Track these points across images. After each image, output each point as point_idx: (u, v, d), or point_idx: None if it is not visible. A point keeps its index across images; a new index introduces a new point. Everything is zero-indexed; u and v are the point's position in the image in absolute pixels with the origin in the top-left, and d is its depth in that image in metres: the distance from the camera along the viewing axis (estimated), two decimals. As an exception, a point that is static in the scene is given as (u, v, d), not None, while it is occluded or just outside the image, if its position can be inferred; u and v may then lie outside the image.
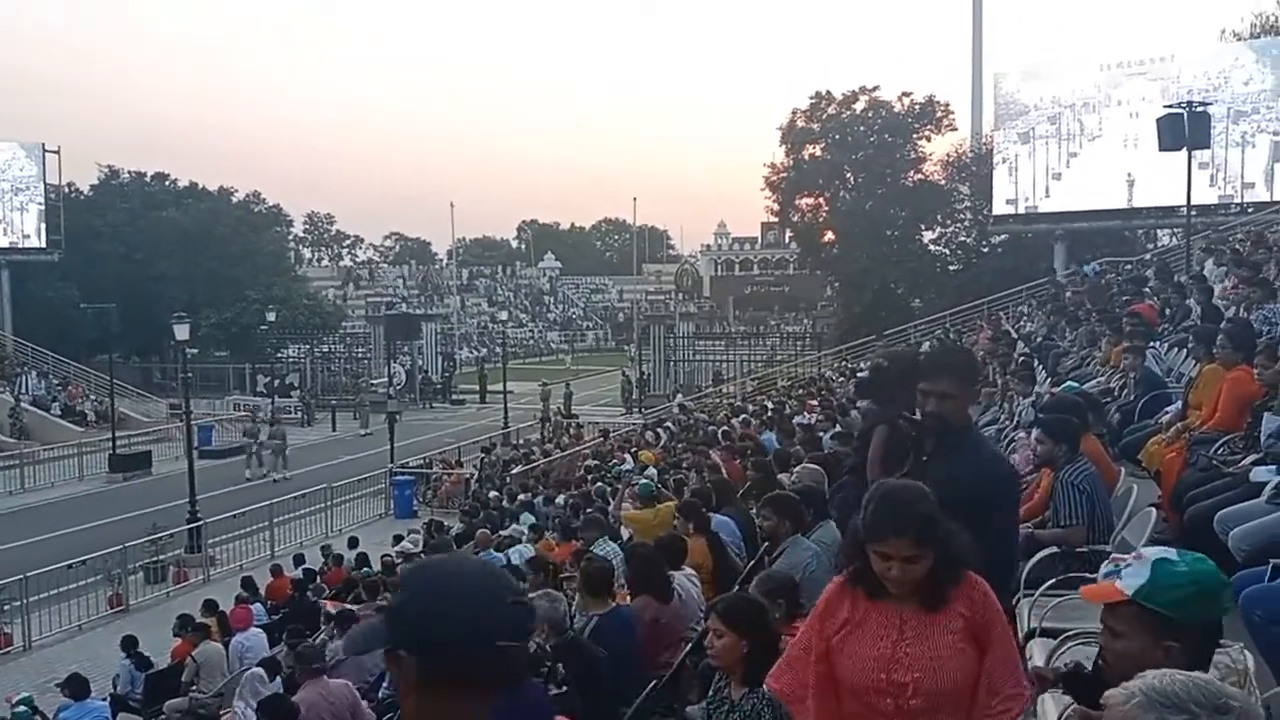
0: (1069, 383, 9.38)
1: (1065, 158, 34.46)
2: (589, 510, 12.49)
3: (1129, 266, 24.07)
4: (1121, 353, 10.73)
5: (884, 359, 4.99)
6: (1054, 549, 5.50)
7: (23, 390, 35.85)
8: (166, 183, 53.48)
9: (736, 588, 7.08)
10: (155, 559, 18.38)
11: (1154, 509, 5.81)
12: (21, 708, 9.94)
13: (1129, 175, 32.53)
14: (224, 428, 35.02)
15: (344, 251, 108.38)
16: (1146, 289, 15.75)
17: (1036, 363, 13.38)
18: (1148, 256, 27.84)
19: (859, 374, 19.01)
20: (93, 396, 36.97)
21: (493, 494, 19.53)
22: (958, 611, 2.83)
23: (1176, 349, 10.18)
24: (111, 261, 45.08)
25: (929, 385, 3.87)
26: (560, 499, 15.94)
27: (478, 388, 45.03)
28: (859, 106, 44.70)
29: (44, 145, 42.80)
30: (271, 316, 43.76)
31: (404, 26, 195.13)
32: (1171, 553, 2.35)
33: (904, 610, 2.85)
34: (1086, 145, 33.79)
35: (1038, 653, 4.55)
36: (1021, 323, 23.05)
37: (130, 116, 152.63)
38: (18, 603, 15.41)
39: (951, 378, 3.89)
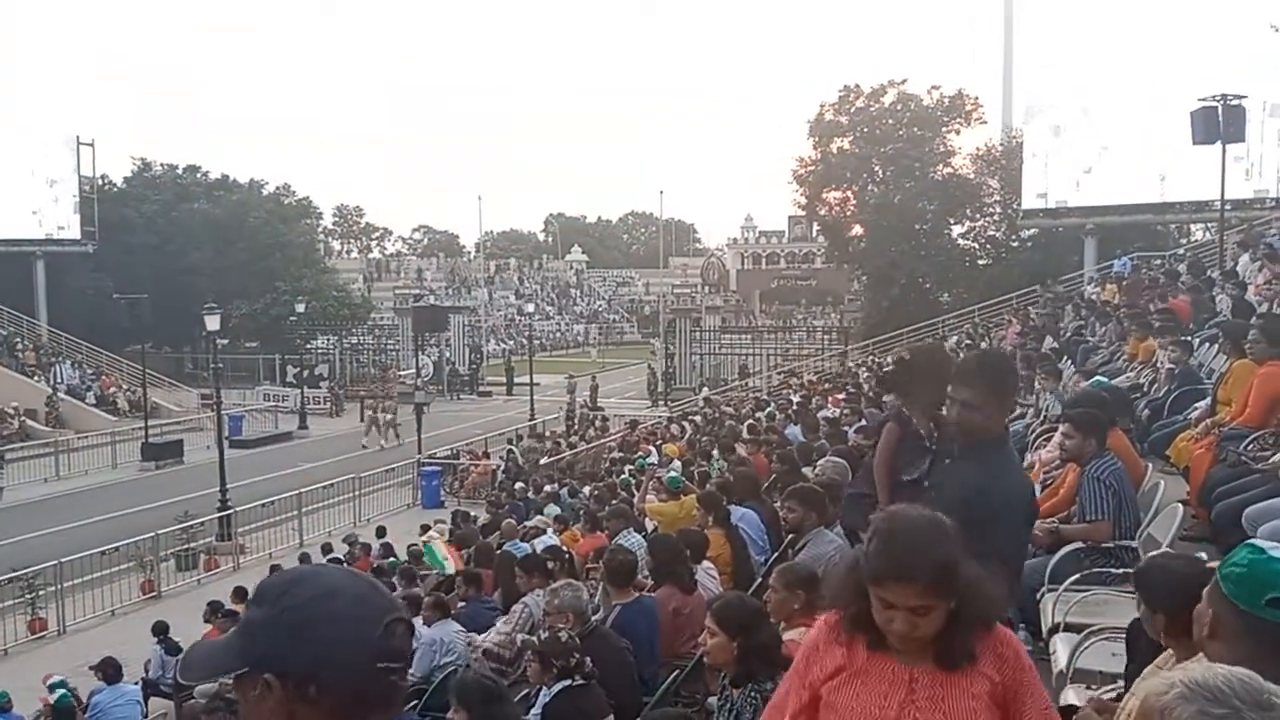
0: (1097, 377, 9.33)
1: (1097, 151, 34.05)
2: (614, 502, 12.55)
3: (1160, 262, 23.81)
4: (1152, 348, 10.66)
5: (908, 352, 4.65)
6: (1079, 544, 5.49)
7: (58, 380, 36.41)
8: (198, 175, 53.94)
9: (760, 580, 7.13)
10: (186, 546, 18.64)
11: (1181, 505, 5.78)
12: (61, 690, 10.12)
13: (1161, 169, 32.13)
14: (254, 418, 35.39)
15: (373, 244, 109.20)
16: (1179, 284, 15.58)
17: (1064, 358, 13.28)
18: (1180, 251, 27.56)
19: (885, 369, 18.85)
20: (126, 386, 37.49)
21: (519, 485, 19.63)
22: (983, 673, 2.30)
23: (1207, 344, 10.08)
24: (144, 253, 45.53)
25: (954, 393, 3.71)
26: (586, 490, 16.00)
27: (505, 380, 45.22)
28: (888, 100, 44.47)
29: (79, 137, 43.37)
30: (301, 308, 44.14)
31: (434, 20, 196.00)
32: (1276, 548, 2.41)
33: (915, 667, 2.31)
34: (1118, 138, 33.37)
35: (1060, 648, 4.56)
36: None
37: (163, 108, 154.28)
38: (53, 588, 15.67)
39: (976, 388, 3.62)
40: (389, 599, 1.52)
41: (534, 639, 5.75)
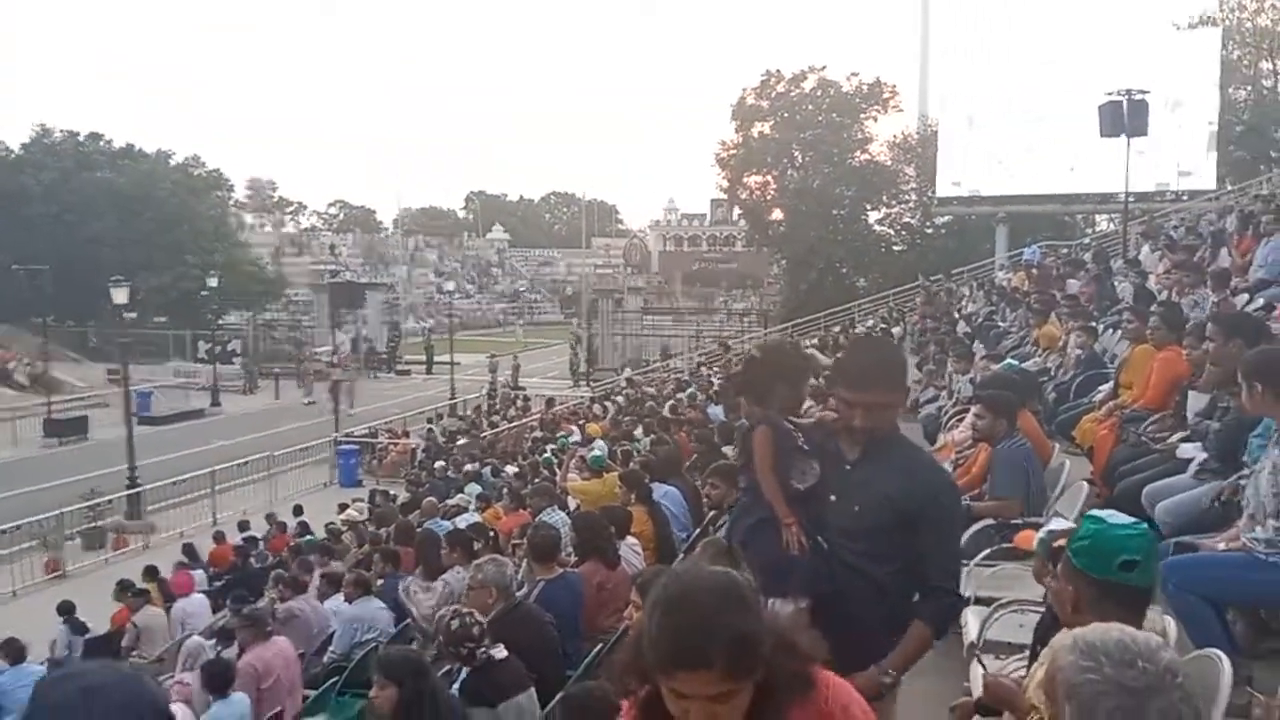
0: (1008, 360, 9.65)
1: (1009, 141, 34.96)
2: (536, 481, 12.57)
3: (1067, 250, 24.62)
4: (1058, 334, 11.08)
5: (758, 349, 4.18)
6: (990, 520, 5.70)
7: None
8: (101, 142, 51.91)
9: (682, 555, 7.25)
10: (93, 525, 18.12)
11: (1086, 483, 6.04)
12: (-42, 673, 9.76)
13: (1070, 161, 33.15)
14: (164, 394, 34.40)
15: (286, 218, 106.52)
16: (1083, 272, 16.16)
17: (975, 342, 13.69)
18: (1086, 241, 28.54)
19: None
20: (26, 360, 36.06)
21: (439, 464, 19.50)
22: None
23: (1110, 330, 10.50)
24: (43, 223, 43.70)
25: (859, 396, 3.16)
26: (510, 469, 15.99)
27: (424, 359, 44.72)
28: (808, 85, 44.97)
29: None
30: (213, 283, 42.94)
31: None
32: (1117, 516, 2.57)
33: None
34: (1030, 130, 34.31)
35: (971, 620, 4.74)
36: (963, 303, 23.48)
37: (65, 73, 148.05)
38: (-51, 568, 15.12)
39: (885, 386, 3.22)
40: (153, 699, 1.60)
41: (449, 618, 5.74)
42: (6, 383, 34.36)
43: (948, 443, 8.00)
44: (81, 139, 51.40)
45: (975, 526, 5.66)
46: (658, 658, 1.76)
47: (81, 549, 17.70)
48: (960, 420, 8.25)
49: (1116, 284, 14.02)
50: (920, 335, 18.31)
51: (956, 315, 19.54)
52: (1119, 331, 9.49)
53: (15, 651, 10.26)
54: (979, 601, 4.86)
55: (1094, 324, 10.50)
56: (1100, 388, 8.17)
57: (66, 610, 11.93)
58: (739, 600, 1.77)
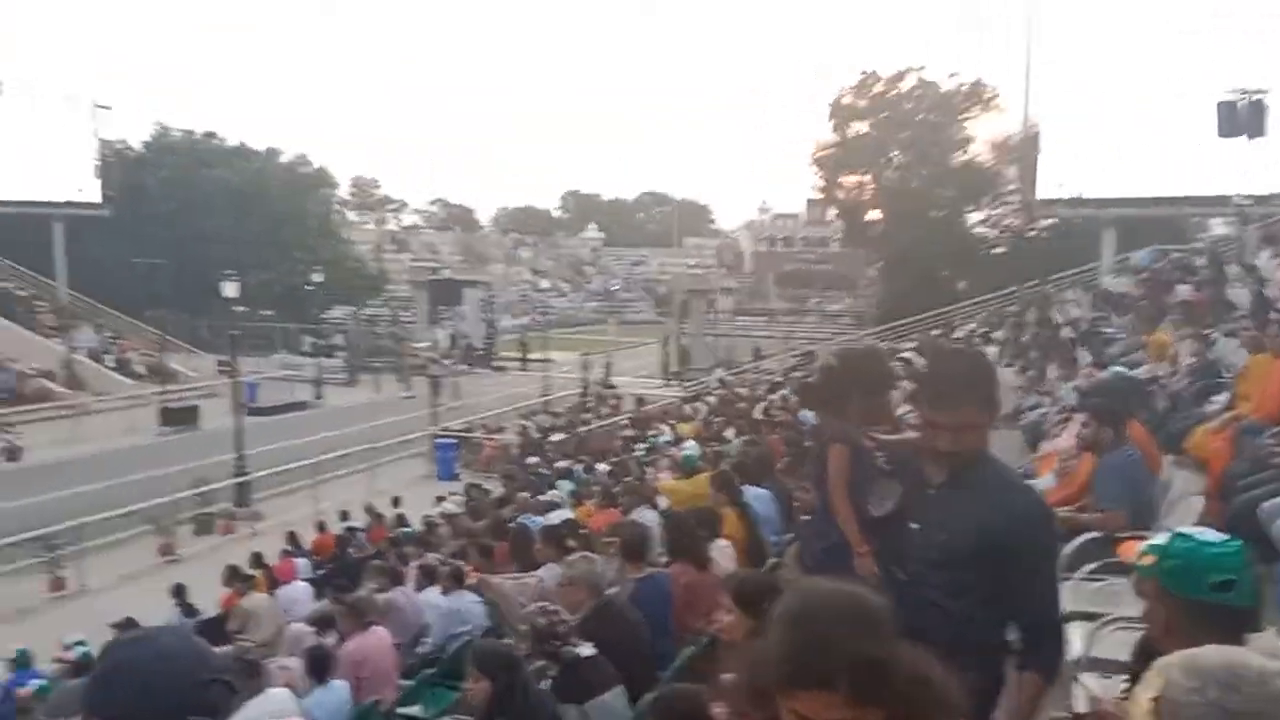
0: (1116, 367, 9.35)
1: (1118, 142, 33.77)
2: (628, 479, 12.65)
3: (1179, 255, 23.71)
4: (1169, 341, 10.69)
5: (836, 356, 3.88)
6: (1094, 533, 5.54)
7: (80, 344, 36.68)
8: (215, 141, 54.02)
9: (774, 559, 7.21)
10: (204, 511, 18.87)
11: (1198, 497, 5.82)
12: (81, 648, 10.29)
13: (1183, 162, 31.88)
14: (270, 386, 35.59)
15: (389, 216, 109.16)
16: (1197, 278, 15.55)
17: (1080, 348, 13.30)
18: (1200, 245, 27.41)
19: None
20: (143, 351, 37.73)
21: (532, 459, 19.75)
22: None
23: (1225, 338, 10.09)
24: (161, 219, 45.66)
25: (945, 416, 2.84)
26: (601, 467, 16.11)
27: (519, 355, 45.25)
28: (906, 85, 44.28)
29: (96, 101, 43.48)
30: (318, 278, 44.28)
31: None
32: (1208, 533, 2.47)
33: None
34: (1140, 129, 33.07)
35: (1075, 636, 4.61)
36: (1068, 308, 22.81)
37: (181, 74, 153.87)
38: (72, 548, 15.88)
39: (974, 404, 2.85)
40: (209, 660, 1.73)
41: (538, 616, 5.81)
42: (125, 372, 35.98)
43: (1051, 451, 7.80)
44: (197, 137, 53.54)
45: (1079, 539, 5.51)
46: (778, 675, 1.69)
47: (193, 534, 18.43)
48: (1064, 428, 8.03)
49: (1232, 290, 13.45)
50: (1021, 341, 17.86)
51: (1059, 320, 18.98)
52: (1235, 339, 9.11)
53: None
54: (1082, 617, 4.73)
55: (1208, 331, 10.10)
56: (1214, 397, 7.87)
57: (178, 593, 12.46)
58: (868, 621, 1.69)
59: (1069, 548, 5.46)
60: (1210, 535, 2.45)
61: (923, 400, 3.04)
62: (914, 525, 2.96)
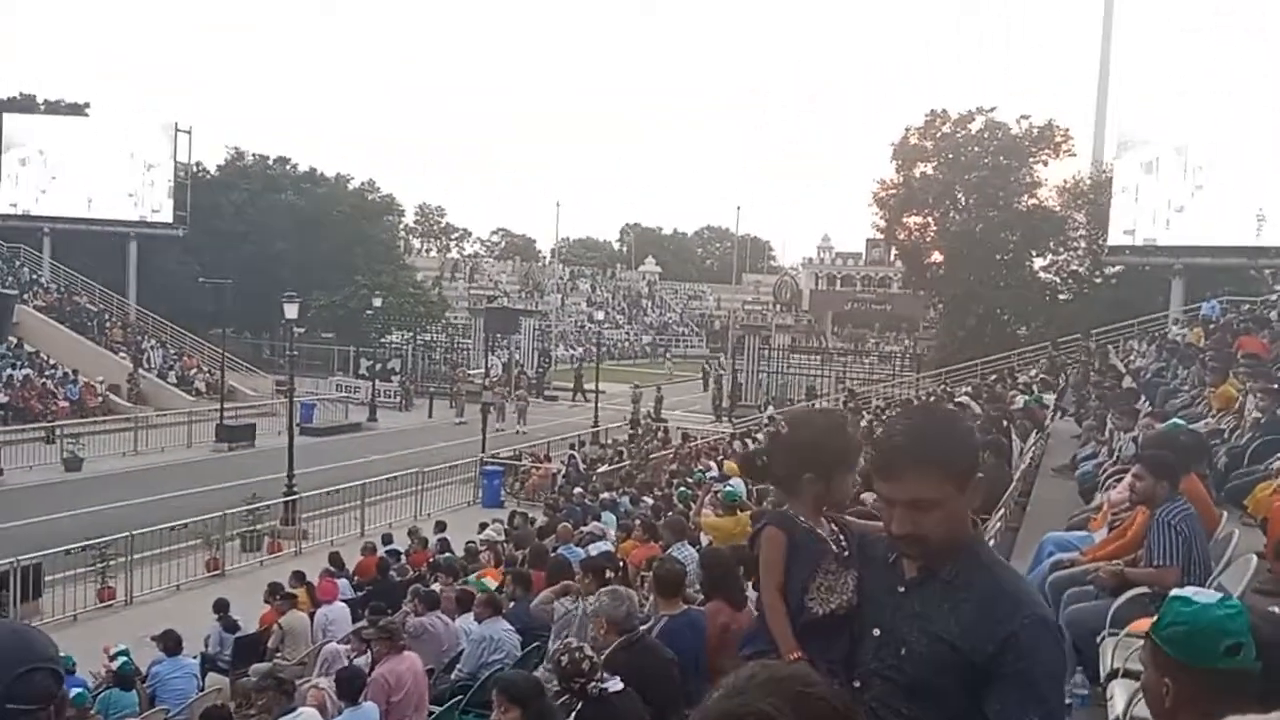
0: (1175, 420, 9.04)
1: (1190, 189, 33.09)
2: (670, 514, 12.53)
3: (1250, 306, 23.06)
4: (1235, 394, 10.33)
5: (786, 425, 2.81)
6: (1144, 589, 5.32)
7: (149, 361, 37.67)
8: (287, 166, 55.36)
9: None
10: (252, 528, 19.10)
11: (1256, 557, 5.56)
12: (124, 659, 10.41)
13: (1259, 211, 31.12)
14: (326, 407, 36.11)
15: (452, 244, 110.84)
16: (1267, 330, 15.08)
17: (1142, 398, 12.92)
18: (1273, 297, 26.65)
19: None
20: (206, 368, 38.61)
21: (577, 490, 19.71)
22: None
23: (1294, 394, 9.71)
24: (231, 239, 46.87)
25: (891, 490, 2.28)
26: (648, 500, 16.01)
27: (572, 385, 45.40)
28: (974, 127, 43.81)
29: (176, 124, 44.90)
30: (378, 302, 44.95)
31: (520, 29, 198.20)
32: (1206, 595, 2.29)
33: None
34: (1213, 177, 32.39)
35: (1118, 694, 4.42)
36: (1131, 358, 22.27)
37: (257, 100, 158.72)
38: (123, 559, 16.17)
39: (929, 474, 2.23)
40: (37, 649, 1.75)
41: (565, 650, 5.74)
42: (187, 388, 36.81)
43: (1104, 503, 7.55)
44: (270, 162, 54.96)
45: (1128, 594, 5.31)
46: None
47: (240, 550, 18.67)
48: (1119, 480, 7.77)
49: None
50: (1082, 390, 17.45)
51: (1122, 370, 18.52)
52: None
53: (172, 643, 10.88)
54: (1128, 675, 4.53)
55: (1277, 386, 9.74)
56: (1278, 455, 7.56)
57: (221, 608, 12.57)
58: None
59: (1117, 602, 5.26)
60: (1207, 595, 2.27)
61: (871, 468, 2.41)
62: (875, 631, 2.39)
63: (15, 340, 33.27)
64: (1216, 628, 2.15)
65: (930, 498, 2.22)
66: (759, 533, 2.69)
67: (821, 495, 2.62)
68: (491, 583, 10.70)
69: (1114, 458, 9.76)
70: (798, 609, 2.54)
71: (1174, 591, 2.31)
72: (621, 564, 9.74)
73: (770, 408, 34.31)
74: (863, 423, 18.06)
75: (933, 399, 22.29)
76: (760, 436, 23.55)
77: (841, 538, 2.60)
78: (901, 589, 2.35)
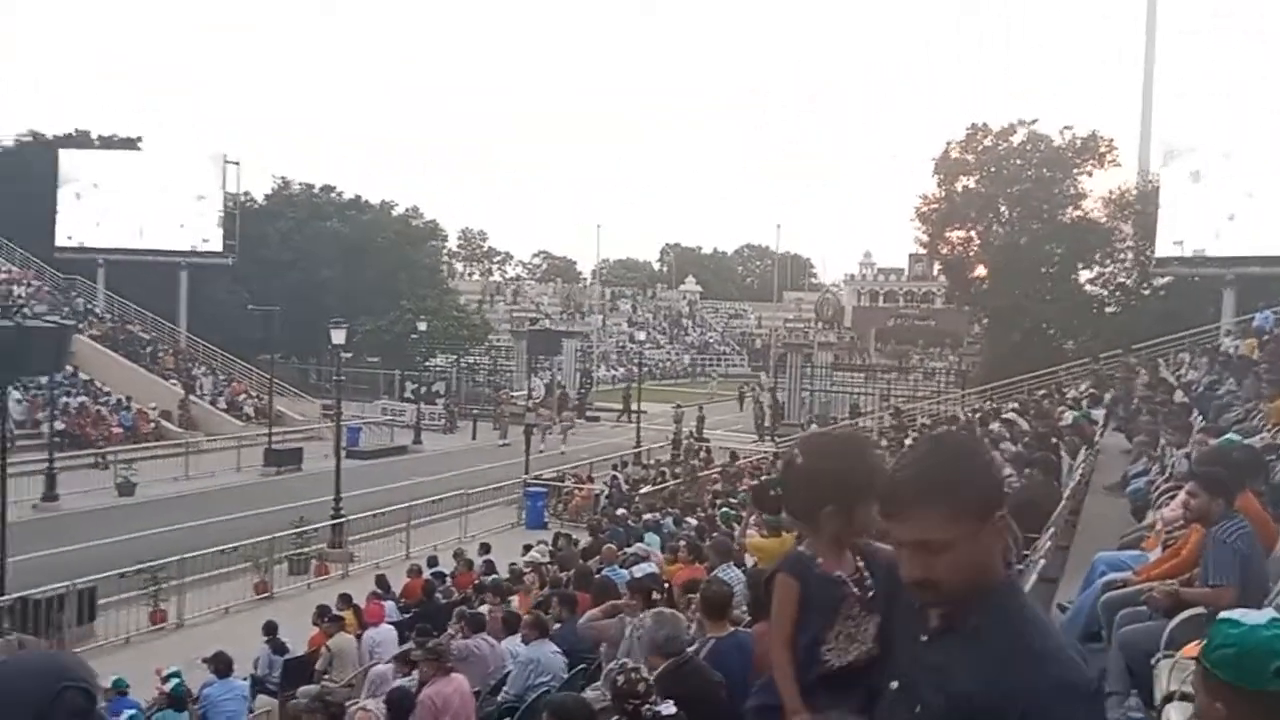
0: (1229, 435, 8.85)
1: (1240, 197, 32.47)
2: (715, 534, 12.47)
3: (1306, 317, 22.55)
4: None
5: (801, 453, 2.48)
6: (1200, 609, 5.21)
7: (201, 388, 38.37)
8: (333, 194, 56.24)
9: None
10: (299, 551, 19.33)
11: (1315, 576, 5.43)
12: (176, 680, 10.55)
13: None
14: (371, 430, 36.49)
15: (494, 267, 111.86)
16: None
17: (1195, 413, 12.67)
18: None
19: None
20: (254, 393, 39.22)
21: (620, 511, 19.71)
22: None
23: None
24: (279, 268, 47.64)
25: (897, 529, 2.06)
26: (691, 520, 15.96)
27: (620, 406, 45.33)
28: (1017, 139, 43.44)
29: (225, 156, 45.93)
30: (423, 326, 45.40)
31: (560, 54, 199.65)
32: (1254, 616, 2.23)
33: None
34: (1264, 184, 31.76)
35: (1174, 717, 4.32)
36: (1182, 371, 21.86)
37: (303, 130, 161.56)
38: (174, 582, 16.43)
39: (936, 512, 1.98)
40: (64, 673, 1.82)
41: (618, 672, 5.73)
42: (235, 413, 37.40)
43: (1157, 521, 7.41)
44: (316, 190, 55.88)
45: (1183, 615, 5.20)
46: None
47: (288, 573, 18.88)
48: (1172, 497, 7.63)
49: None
50: (1130, 405, 17.16)
51: (1174, 383, 18.18)
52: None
53: (223, 665, 11.01)
54: (1184, 698, 4.43)
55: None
56: (1339, 469, 7.37)
57: (270, 630, 12.72)
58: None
59: (1173, 623, 5.16)
60: (1256, 616, 2.21)
61: (878, 507, 2.17)
62: (893, 683, 2.16)
63: (71, 369, 34.02)
64: (1266, 649, 2.11)
65: (940, 539, 1.97)
66: (772, 576, 2.47)
67: (843, 530, 2.38)
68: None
69: (1166, 474, 9.58)
70: (810, 661, 2.34)
71: (1221, 614, 2.26)
72: (666, 585, 9.70)
73: (813, 426, 34.10)
74: (907, 441, 17.87)
75: (965, 421, 22.02)
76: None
77: (867, 575, 2.36)
78: (924, 638, 2.08)
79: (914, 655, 2.10)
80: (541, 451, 33.26)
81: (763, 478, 13.48)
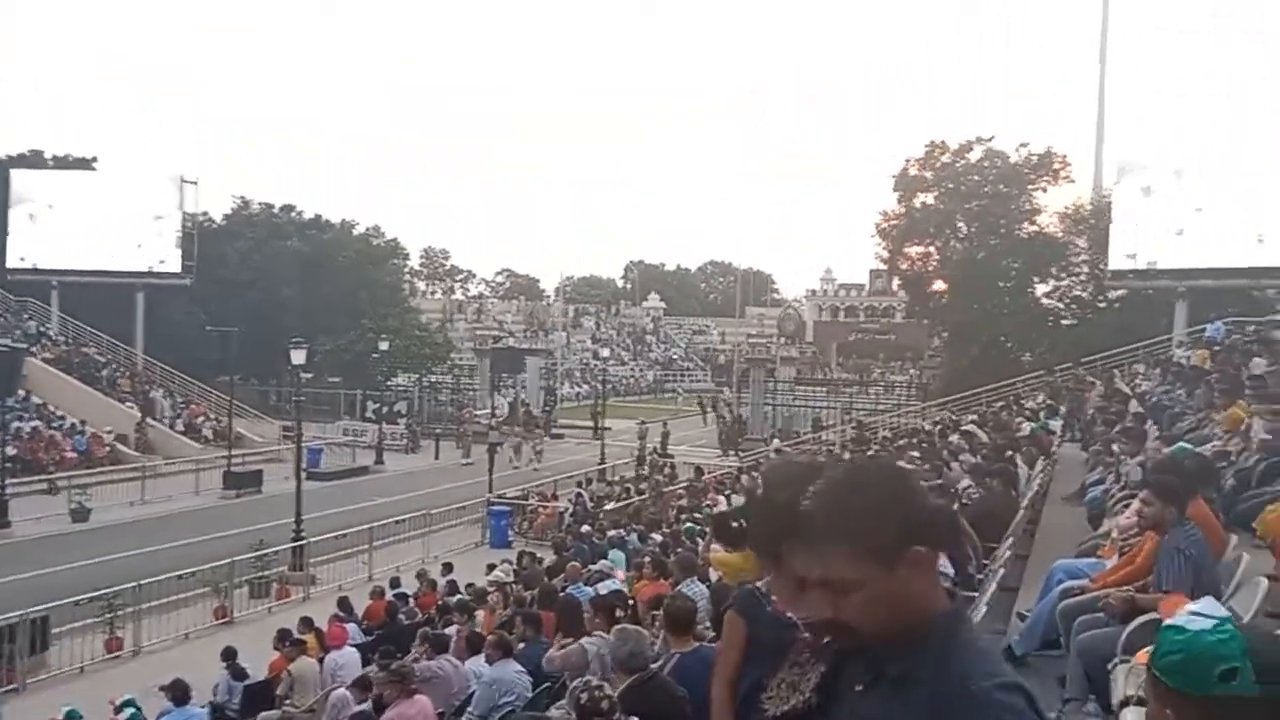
0: (1181, 444, 9.02)
1: (1190, 212, 33.21)
2: (679, 550, 12.47)
3: (1254, 328, 23.05)
4: (1242, 416, 10.30)
5: (762, 483, 2.33)
6: (1155, 615, 5.29)
7: (161, 411, 37.78)
8: (293, 214, 55.74)
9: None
10: (260, 575, 19.04)
11: (1266, 580, 5.53)
12: (130, 710, 10.35)
13: (1259, 232, 31.19)
14: (333, 451, 36.11)
15: (456, 285, 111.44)
16: (1272, 351, 15.06)
17: (1148, 422, 12.89)
18: (1277, 318, 26.62)
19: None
20: (212, 415, 38.70)
21: (585, 528, 19.65)
22: None
23: (1301, 414, 9.70)
24: (237, 287, 47.13)
25: (800, 564, 1.86)
26: (656, 536, 15.95)
27: (590, 423, 45.23)
28: (974, 156, 44.09)
29: (183, 176, 45.42)
30: (384, 346, 45.13)
31: (523, 73, 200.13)
32: (1199, 621, 2.27)
33: None
34: (1212, 199, 32.51)
35: (1132, 721, 4.38)
36: (1137, 381, 22.23)
37: (263, 149, 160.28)
38: (130, 609, 16.10)
39: (836, 550, 1.78)
40: None
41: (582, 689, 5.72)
42: (194, 436, 36.88)
43: (1112, 529, 7.52)
44: (276, 210, 55.38)
45: (1139, 620, 5.28)
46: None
47: (248, 597, 18.59)
48: (1127, 505, 7.75)
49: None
50: (1087, 416, 17.44)
51: (1129, 393, 18.47)
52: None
53: (181, 693, 10.82)
54: (1139, 703, 4.50)
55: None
56: (1287, 476, 7.53)
57: (229, 656, 12.49)
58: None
59: (1129, 629, 5.23)
60: (1200, 621, 2.26)
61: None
62: None
63: (24, 393, 33.38)
64: (1210, 653, 2.14)
65: (844, 578, 1.77)
66: (724, 612, 2.32)
67: (813, 560, 2.08)
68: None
69: (1122, 483, 9.73)
70: (749, 708, 2.21)
71: (1167, 620, 2.29)
72: (632, 602, 9.68)
73: (776, 440, 34.27)
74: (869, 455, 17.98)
75: (920, 435, 22.18)
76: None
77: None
78: (860, 687, 1.86)
79: (849, 707, 1.90)
80: (516, 468, 33.27)
81: (723, 509, 12.96)
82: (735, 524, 2.03)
